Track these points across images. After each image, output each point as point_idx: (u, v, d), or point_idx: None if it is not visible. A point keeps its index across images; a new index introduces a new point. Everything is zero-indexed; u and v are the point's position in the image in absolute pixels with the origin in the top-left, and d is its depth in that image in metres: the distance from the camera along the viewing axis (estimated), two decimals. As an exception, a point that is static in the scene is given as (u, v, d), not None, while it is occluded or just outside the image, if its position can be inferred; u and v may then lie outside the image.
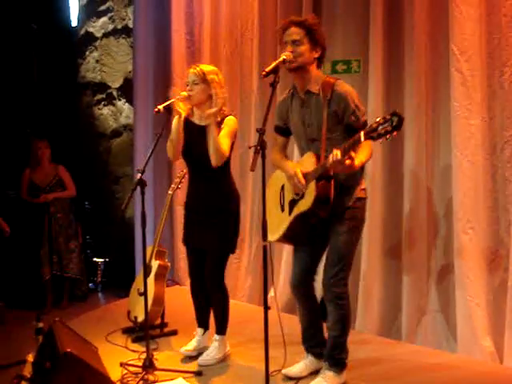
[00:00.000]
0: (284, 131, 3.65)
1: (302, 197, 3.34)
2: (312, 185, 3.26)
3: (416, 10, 4.24)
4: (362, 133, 2.95)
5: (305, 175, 3.32)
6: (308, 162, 3.36)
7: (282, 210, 3.52)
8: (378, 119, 2.88)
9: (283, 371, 3.66)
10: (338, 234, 3.40)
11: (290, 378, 3.63)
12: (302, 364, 3.69)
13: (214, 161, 3.75)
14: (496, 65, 3.97)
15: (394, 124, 2.81)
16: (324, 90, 3.34)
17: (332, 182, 3.25)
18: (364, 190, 3.48)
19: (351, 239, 3.43)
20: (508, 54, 3.89)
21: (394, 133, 2.83)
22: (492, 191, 4.01)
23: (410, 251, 4.37)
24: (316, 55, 3.37)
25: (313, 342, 3.69)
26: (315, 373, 3.60)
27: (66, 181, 5.97)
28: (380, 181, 4.54)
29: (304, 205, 3.32)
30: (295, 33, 3.33)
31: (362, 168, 3.39)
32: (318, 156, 3.32)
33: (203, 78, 3.81)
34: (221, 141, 3.75)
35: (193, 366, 3.93)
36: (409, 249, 4.38)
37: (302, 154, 3.54)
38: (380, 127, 2.86)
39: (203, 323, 4.14)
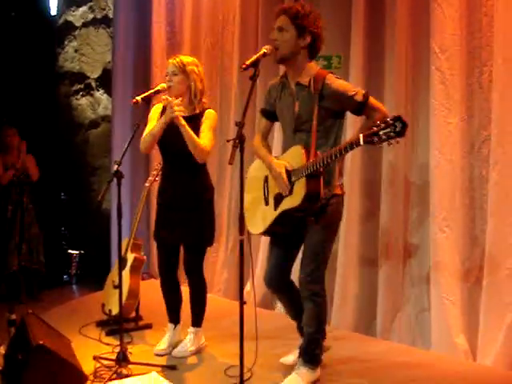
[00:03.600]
0: (269, 114, 3.59)
1: (290, 193, 3.29)
2: (302, 182, 3.21)
3: (397, 7, 4.24)
4: (361, 136, 2.92)
5: (290, 172, 3.29)
6: (295, 156, 3.30)
7: (267, 203, 3.47)
8: (378, 122, 2.86)
9: (281, 360, 3.72)
10: (313, 232, 3.36)
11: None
12: (297, 351, 3.64)
13: (198, 158, 3.73)
14: (476, 64, 3.98)
15: (397, 130, 2.79)
16: (315, 83, 3.29)
17: (321, 179, 3.21)
18: (340, 185, 3.44)
19: (326, 236, 3.39)
20: (488, 54, 3.90)
21: (397, 139, 2.82)
22: (469, 190, 4.03)
23: (386, 248, 4.38)
24: (304, 43, 3.31)
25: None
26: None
27: (30, 166, 5.90)
28: (357, 178, 4.54)
29: (292, 201, 3.27)
30: (281, 20, 3.31)
31: (339, 163, 3.37)
32: (308, 150, 3.25)
33: (182, 69, 3.79)
34: (203, 135, 3.74)
35: (167, 360, 3.91)
36: (385, 246, 4.39)
37: (286, 142, 3.48)
38: (381, 132, 2.83)
39: (175, 318, 4.12)
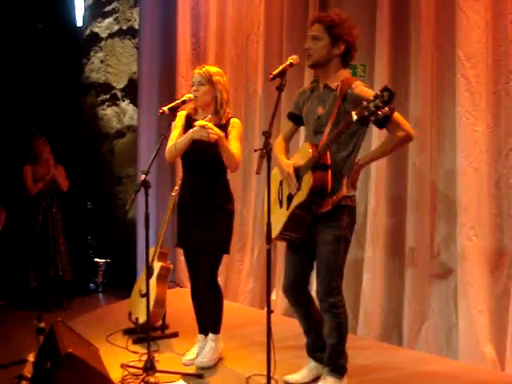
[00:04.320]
0: (296, 118, 3.59)
1: (299, 189, 3.29)
2: (308, 175, 3.21)
3: (422, 15, 4.24)
4: (353, 112, 2.94)
5: (298, 170, 3.30)
6: (304, 152, 3.30)
7: (281, 205, 3.47)
8: (367, 98, 2.88)
9: (285, 378, 3.62)
10: (325, 244, 3.34)
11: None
12: (304, 370, 3.65)
13: (232, 168, 3.80)
14: (501, 71, 3.96)
15: (385, 99, 2.80)
16: (342, 88, 3.28)
17: (329, 172, 3.19)
18: (352, 198, 3.38)
19: (338, 248, 3.35)
20: (514, 61, 3.89)
21: (386, 108, 2.81)
22: (496, 198, 4.00)
23: (412, 257, 4.36)
24: (338, 52, 3.31)
25: (314, 346, 3.64)
26: (318, 379, 3.55)
27: (60, 177, 5.98)
28: (384, 186, 4.52)
29: (300, 197, 3.26)
30: (315, 29, 3.32)
31: (347, 176, 3.34)
32: (316, 146, 3.25)
33: (209, 79, 3.82)
34: (232, 145, 3.77)
35: (194, 368, 3.91)
36: (412, 254, 4.36)
37: None
38: (371, 104, 2.85)
39: (204, 328, 4.10)
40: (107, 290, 6.58)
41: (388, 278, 4.54)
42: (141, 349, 4.14)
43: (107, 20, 7.23)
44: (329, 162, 3.20)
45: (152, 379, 3.67)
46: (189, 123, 3.89)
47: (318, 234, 3.37)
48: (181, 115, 3.96)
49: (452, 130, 4.15)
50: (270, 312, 3.06)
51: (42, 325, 3.82)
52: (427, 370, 3.90)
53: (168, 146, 3.87)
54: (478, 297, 3.97)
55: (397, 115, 3.20)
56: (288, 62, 3.24)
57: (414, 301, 4.35)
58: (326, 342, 3.47)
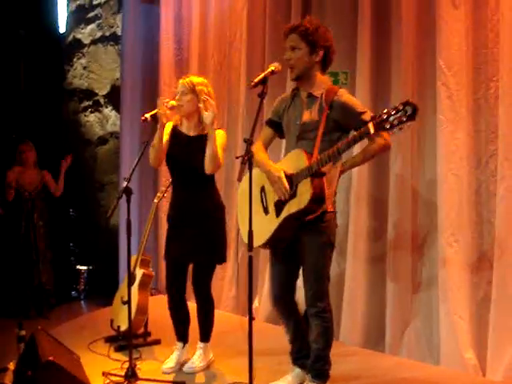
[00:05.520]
0: (275, 125, 3.59)
1: (294, 196, 3.27)
2: (307, 183, 3.20)
3: (403, 23, 4.27)
4: (370, 124, 2.94)
5: (289, 176, 3.29)
6: (295, 159, 3.30)
7: (266, 212, 3.44)
8: (385, 110, 2.87)
9: None
10: (311, 252, 3.36)
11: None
12: (288, 376, 3.66)
13: (211, 168, 3.77)
14: (482, 79, 3.99)
15: (409, 113, 2.80)
16: (327, 95, 3.31)
17: (324, 179, 3.22)
18: (333, 203, 3.41)
19: (324, 253, 3.39)
20: (494, 69, 3.92)
21: (408, 123, 2.81)
22: (476, 204, 4.03)
23: (394, 263, 4.37)
24: (317, 58, 3.34)
25: (299, 354, 3.65)
26: (302, 385, 3.57)
27: (51, 185, 5.96)
28: (365, 192, 4.54)
29: (298, 204, 3.24)
30: (292, 39, 3.34)
31: (337, 179, 3.38)
32: (310, 154, 3.26)
33: (192, 89, 3.83)
34: None
35: (176, 376, 3.91)
36: (393, 261, 4.38)
37: (287, 151, 3.48)
38: (392, 117, 2.85)
39: (183, 337, 4.11)
40: (89, 298, 6.54)
41: (370, 284, 4.55)
42: (123, 356, 4.12)
43: (90, 26, 7.21)
44: (324, 169, 3.22)
45: (134, 387, 3.65)
46: (175, 134, 3.91)
47: (303, 241, 3.38)
48: (167, 126, 3.95)
49: (433, 137, 4.18)
50: (251, 319, 3.08)
51: (23, 333, 3.79)
52: (409, 376, 3.92)
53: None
54: (459, 303, 4.00)
55: None
56: (269, 70, 3.26)
57: (397, 307, 4.36)
58: (312, 347, 3.48)
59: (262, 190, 3.47)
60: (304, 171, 3.23)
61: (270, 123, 3.63)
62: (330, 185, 3.31)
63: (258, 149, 3.53)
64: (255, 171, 3.43)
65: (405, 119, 2.82)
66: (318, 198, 3.22)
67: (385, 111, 2.89)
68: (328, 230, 3.38)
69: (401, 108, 2.83)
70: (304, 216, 3.29)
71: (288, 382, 3.65)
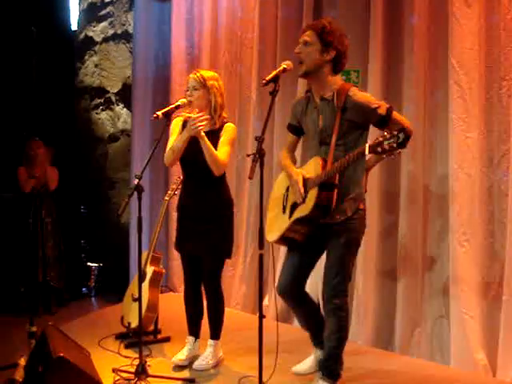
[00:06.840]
0: (296, 130, 3.63)
1: (303, 201, 3.32)
2: (314, 191, 3.24)
3: (416, 21, 4.26)
4: (366, 146, 2.96)
5: (306, 181, 3.32)
6: (314, 166, 3.34)
7: (284, 211, 3.49)
8: (384, 133, 2.88)
9: (293, 368, 3.74)
10: (337, 247, 3.38)
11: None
12: (310, 359, 3.71)
13: (215, 171, 3.77)
14: (494, 78, 3.98)
15: (399, 141, 2.83)
16: (338, 97, 3.31)
17: (335, 191, 3.23)
18: (363, 201, 3.46)
19: (349, 251, 3.41)
20: (506, 68, 3.91)
21: (398, 150, 2.84)
22: (488, 204, 4.02)
23: (404, 262, 4.37)
24: (328, 57, 3.32)
25: (316, 340, 3.69)
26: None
27: (50, 176, 5.95)
28: (376, 192, 4.53)
29: (303, 210, 3.30)
30: (307, 34, 3.35)
31: (366, 177, 3.40)
32: (325, 161, 3.29)
33: (203, 84, 3.83)
34: (220, 149, 3.77)
35: (185, 373, 3.92)
36: (404, 260, 4.37)
37: (311, 155, 3.49)
38: (385, 142, 2.87)
39: (195, 332, 4.13)
40: (100, 295, 6.55)
41: (380, 282, 4.55)
42: (133, 353, 4.13)
43: (102, 24, 7.21)
44: (336, 181, 3.23)
45: (143, 384, 3.66)
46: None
47: (331, 235, 3.40)
48: (177, 121, 3.96)
49: (445, 136, 4.17)
50: (261, 317, 3.09)
51: (34, 329, 3.82)
52: (419, 376, 3.91)
53: (166, 151, 3.89)
54: (469, 302, 3.99)
55: (396, 114, 3.26)
56: (281, 68, 3.27)
57: (407, 306, 4.35)
58: (325, 344, 3.49)
59: (287, 189, 3.53)
60: (315, 179, 3.27)
61: (291, 128, 3.67)
62: (357, 185, 3.38)
63: (283, 156, 3.64)
64: (284, 173, 3.59)
65: (395, 146, 2.84)
66: (322, 207, 3.24)
67: (382, 135, 2.91)
68: (357, 228, 3.42)
69: (395, 134, 2.85)
70: (310, 222, 3.33)
71: (310, 364, 3.73)
